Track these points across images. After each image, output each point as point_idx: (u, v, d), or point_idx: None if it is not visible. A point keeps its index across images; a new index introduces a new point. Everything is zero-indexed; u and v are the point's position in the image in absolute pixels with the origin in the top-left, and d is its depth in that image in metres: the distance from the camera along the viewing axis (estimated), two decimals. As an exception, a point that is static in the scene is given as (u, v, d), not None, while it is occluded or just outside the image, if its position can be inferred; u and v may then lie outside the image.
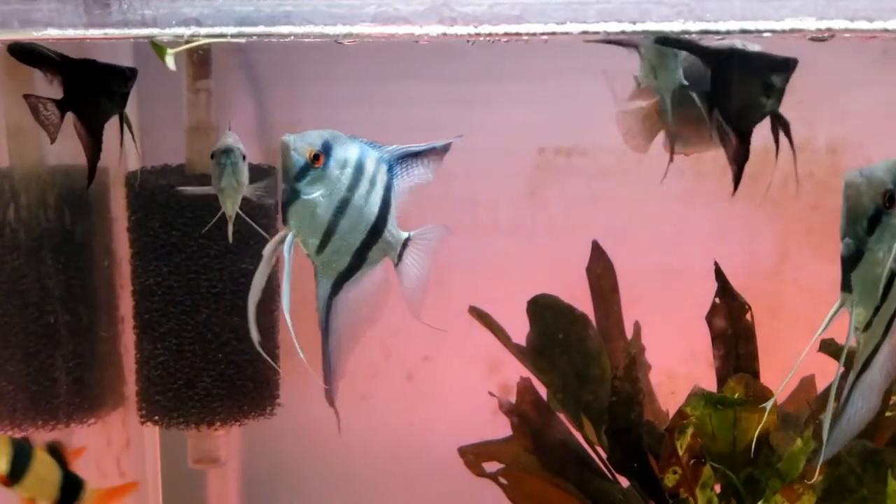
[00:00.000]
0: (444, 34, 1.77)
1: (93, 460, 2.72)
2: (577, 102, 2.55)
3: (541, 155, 2.81)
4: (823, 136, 2.05)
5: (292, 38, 1.80)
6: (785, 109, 1.90)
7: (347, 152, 1.61)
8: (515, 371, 2.31)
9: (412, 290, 1.73)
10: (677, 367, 2.53)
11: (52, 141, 1.91)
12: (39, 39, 1.94)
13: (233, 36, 1.80)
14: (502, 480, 2.29)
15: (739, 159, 1.90)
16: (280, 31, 1.80)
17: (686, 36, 1.82)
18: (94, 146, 1.96)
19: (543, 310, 2.24)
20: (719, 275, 2.27)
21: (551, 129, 2.48)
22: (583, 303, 2.38)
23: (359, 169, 1.62)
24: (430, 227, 1.78)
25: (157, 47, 1.90)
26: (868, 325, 1.55)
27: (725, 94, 1.90)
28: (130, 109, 2.64)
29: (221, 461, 2.65)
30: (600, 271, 2.43)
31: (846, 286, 1.54)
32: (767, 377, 2.23)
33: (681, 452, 1.94)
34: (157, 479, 2.85)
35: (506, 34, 1.81)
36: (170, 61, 1.89)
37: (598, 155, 2.68)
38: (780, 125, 1.91)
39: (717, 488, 2.08)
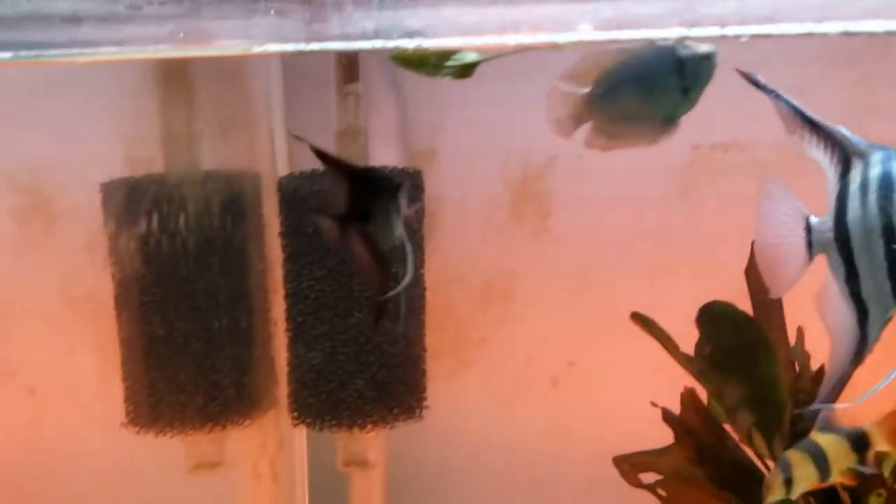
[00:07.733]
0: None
1: (249, 463, 2.77)
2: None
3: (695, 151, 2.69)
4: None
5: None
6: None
7: None
8: (666, 379, 2.20)
9: None
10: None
11: None
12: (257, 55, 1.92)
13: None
14: (661, 492, 2.18)
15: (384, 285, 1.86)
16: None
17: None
18: None
19: (717, 318, 2.04)
20: None
21: (707, 125, 2.35)
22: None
23: None
24: None
25: (403, 59, 1.85)
26: None
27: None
28: (279, 114, 2.71)
29: (371, 464, 2.63)
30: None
31: None
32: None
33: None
34: (305, 483, 2.88)
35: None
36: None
37: (756, 150, 2.54)
38: None
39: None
